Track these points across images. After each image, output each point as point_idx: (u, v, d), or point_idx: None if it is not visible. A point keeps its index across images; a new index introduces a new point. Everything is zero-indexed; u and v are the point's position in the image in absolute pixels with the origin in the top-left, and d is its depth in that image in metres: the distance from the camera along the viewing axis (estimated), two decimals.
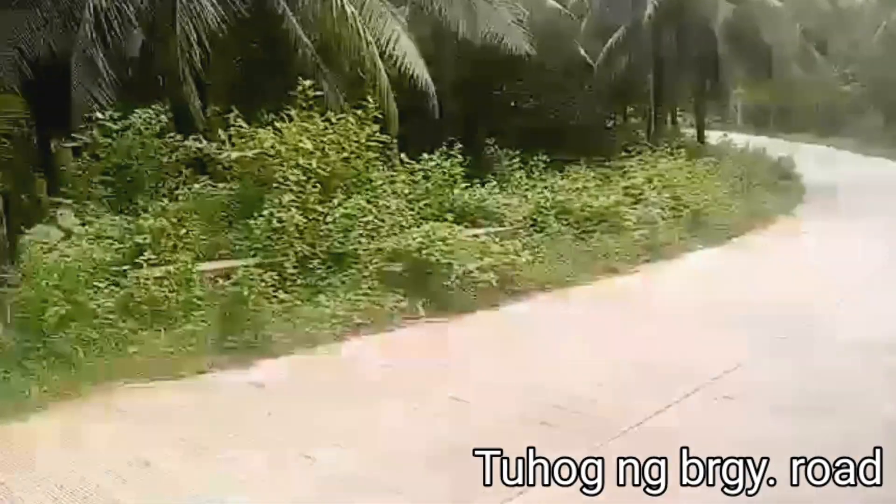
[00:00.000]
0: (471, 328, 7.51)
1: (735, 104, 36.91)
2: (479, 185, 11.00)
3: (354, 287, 7.66)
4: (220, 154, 8.92)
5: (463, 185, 10.66)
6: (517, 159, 13.58)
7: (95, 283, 6.65)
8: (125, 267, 7.19)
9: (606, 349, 6.55)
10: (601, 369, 5.98)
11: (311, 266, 7.85)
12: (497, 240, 9.08)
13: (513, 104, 19.90)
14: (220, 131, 9.03)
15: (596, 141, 18.50)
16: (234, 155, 8.66)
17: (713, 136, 23.79)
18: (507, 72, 17.50)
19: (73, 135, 9.69)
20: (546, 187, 11.92)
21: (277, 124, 9.02)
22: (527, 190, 12.02)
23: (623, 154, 15.29)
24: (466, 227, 9.59)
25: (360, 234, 8.25)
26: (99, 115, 9.30)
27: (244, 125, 8.88)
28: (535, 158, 13.41)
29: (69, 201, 8.74)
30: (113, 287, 6.80)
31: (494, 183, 11.64)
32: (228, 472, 4.32)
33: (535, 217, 10.81)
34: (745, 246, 12.23)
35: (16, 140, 12.18)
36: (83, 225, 7.93)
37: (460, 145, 10.95)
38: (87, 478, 4.24)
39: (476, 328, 7.51)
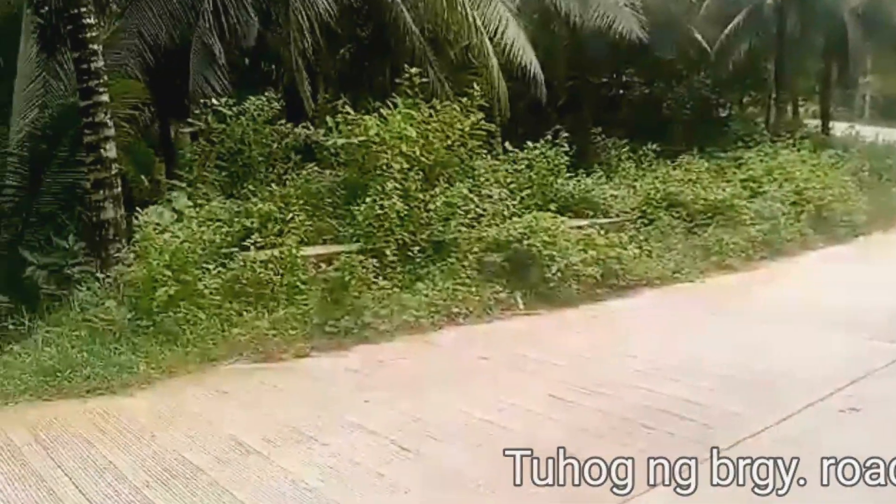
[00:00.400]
0: (571, 323, 7.26)
1: (864, 94, 34.35)
2: (584, 175, 10.65)
3: (453, 276, 7.56)
4: (326, 141, 9.02)
5: (567, 174, 10.35)
6: (625, 149, 13.10)
7: (204, 265, 6.84)
8: (233, 249, 7.39)
9: (716, 352, 6.14)
10: (711, 373, 5.59)
11: (410, 254, 7.81)
12: (602, 232, 8.74)
13: (622, 91, 19.28)
14: (328, 118, 9.12)
15: (710, 130, 17.67)
16: (340, 142, 8.74)
17: (838, 128, 22.20)
18: (617, 58, 16.94)
19: (189, 120, 10.03)
20: (656, 178, 11.43)
21: (383, 111, 9.02)
22: (635, 180, 11.58)
23: (739, 145, 14.48)
24: (570, 217, 9.31)
25: (461, 223, 8.14)
26: (214, 101, 9.56)
27: (351, 112, 8.93)
28: (645, 148, 12.89)
29: (184, 184, 9.05)
30: (220, 269, 6.98)
31: (601, 173, 11.26)
32: (324, 459, 4.30)
33: (643, 209, 10.39)
34: (873, 245, 11.33)
35: (138, 124, 12.86)
36: (195, 207, 8.19)
37: (566, 134, 10.62)
38: (188, 457, 4.32)
39: (576, 323, 7.25)
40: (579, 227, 8.90)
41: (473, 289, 7.48)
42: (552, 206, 9.22)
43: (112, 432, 4.73)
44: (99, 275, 7.08)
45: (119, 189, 8.11)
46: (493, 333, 6.92)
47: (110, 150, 8.03)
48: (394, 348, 6.42)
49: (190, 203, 8.42)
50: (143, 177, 12.90)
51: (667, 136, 14.78)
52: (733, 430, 4.50)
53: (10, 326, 6.60)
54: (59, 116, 9.35)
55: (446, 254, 7.93)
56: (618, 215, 10.04)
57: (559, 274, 7.71)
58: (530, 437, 4.42)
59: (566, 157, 10.35)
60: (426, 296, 7.23)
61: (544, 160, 10.22)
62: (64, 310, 6.65)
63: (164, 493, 3.91)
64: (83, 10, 7.89)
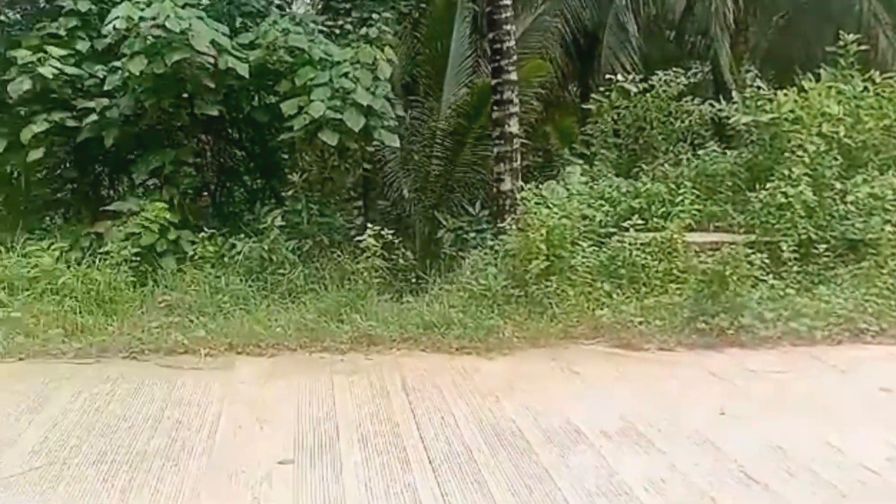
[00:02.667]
0: None
1: None
2: None
3: (867, 283, 6.30)
4: (730, 119, 8.23)
5: None
6: None
7: (580, 242, 6.81)
8: (612, 230, 7.23)
9: None
10: None
11: (814, 252, 6.70)
12: None
13: None
14: (734, 94, 8.30)
15: None
16: (745, 119, 7.87)
17: None
18: None
19: (593, 96, 10.08)
20: None
21: (805, 84, 7.85)
22: None
23: None
24: None
25: (888, 220, 6.70)
26: (620, 77, 9.44)
27: (762, 86, 7.97)
28: None
29: (580, 161, 9.16)
30: (596, 247, 6.89)
31: None
32: (655, 469, 3.93)
33: None
34: None
35: (556, 99, 13.45)
36: (586, 184, 8.22)
37: None
38: (521, 428, 4.35)
39: None
40: None
41: (893, 302, 6.14)
42: None
43: (465, 390, 5.02)
44: (490, 242, 7.58)
45: (518, 163, 8.56)
46: None
47: (513, 126, 8.51)
48: (772, 358, 5.60)
49: (584, 180, 8.49)
50: (565, 150, 13.38)
51: None
52: None
53: (413, 280, 7.47)
54: (480, 94, 10.21)
55: (862, 256, 6.63)
56: None
57: None
58: None
59: None
60: (827, 303, 6.15)
61: None
62: (457, 272, 7.28)
63: (489, 458, 4.00)
64: None
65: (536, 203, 6.94)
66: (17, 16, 9.24)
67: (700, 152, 8.45)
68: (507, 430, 4.36)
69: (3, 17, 9.10)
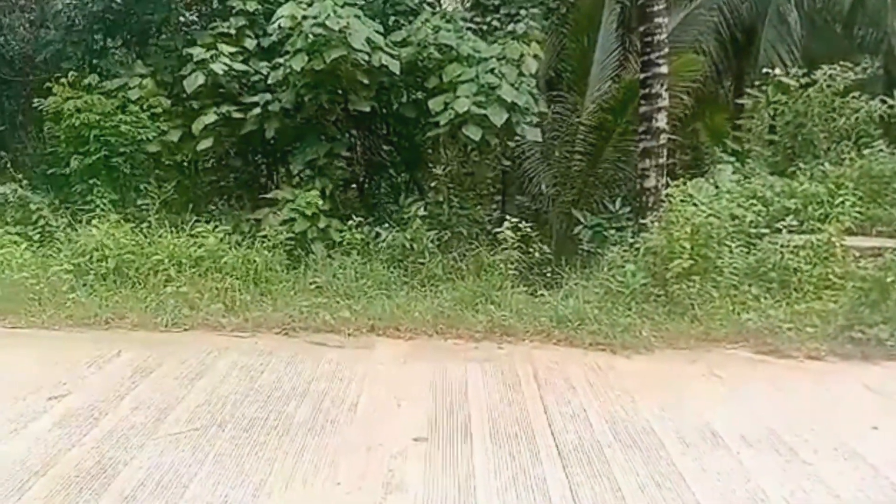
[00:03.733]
0: None
1: None
2: None
3: None
4: None
5: None
6: None
7: (727, 242, 6.55)
8: (764, 230, 6.89)
9: None
10: None
11: None
12: None
13: None
14: None
15: None
16: None
17: None
18: None
19: (748, 91, 9.61)
20: None
21: None
22: None
23: None
24: None
25: None
26: (777, 71, 8.96)
27: None
28: None
29: (731, 158, 8.79)
30: (745, 249, 6.59)
31: None
32: (798, 479, 3.75)
33: None
34: None
35: (708, 95, 12.91)
36: (738, 183, 7.87)
37: None
38: (656, 429, 4.29)
39: None
40: None
41: None
42: None
43: (598, 386, 4.98)
44: (631, 239, 7.43)
45: (664, 159, 8.33)
46: None
47: (661, 121, 8.28)
48: None
49: (735, 177, 8.15)
50: (715, 147, 12.87)
51: None
52: None
53: (548, 274, 7.48)
54: (627, 89, 10.01)
55: None
56: None
57: None
58: None
59: None
60: None
61: None
62: (595, 268, 7.21)
63: (620, 455, 3.98)
64: None
65: (682, 200, 6.74)
66: (194, 17, 10.07)
67: (866, 152, 7.87)
68: (640, 430, 4.30)
69: (181, 18, 9.95)
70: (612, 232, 8.06)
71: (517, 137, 8.82)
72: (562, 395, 4.80)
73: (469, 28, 9.01)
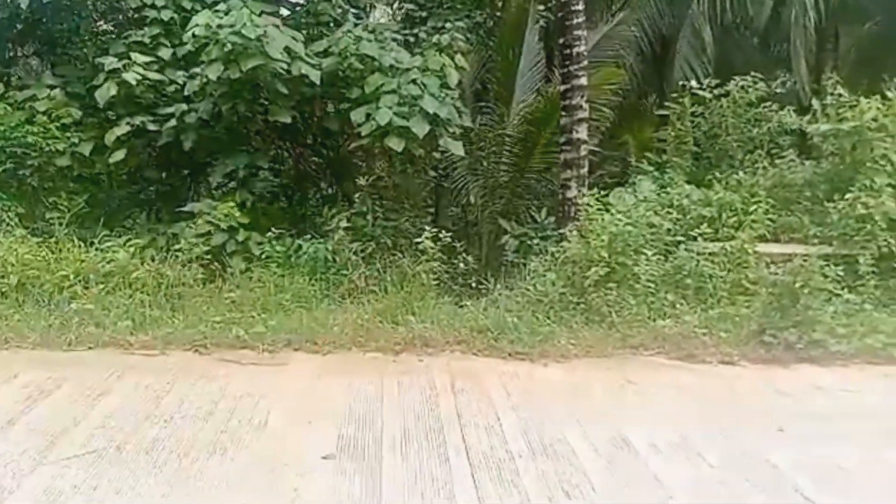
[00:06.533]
0: None
1: None
2: None
3: None
4: (809, 127, 7.89)
5: None
6: None
7: (644, 250, 6.64)
8: (681, 238, 7.02)
9: None
10: None
11: (895, 266, 6.33)
12: None
13: None
14: (814, 101, 7.95)
15: None
16: (824, 128, 7.52)
17: None
18: None
19: (665, 103, 9.84)
20: None
21: (889, 93, 7.45)
22: None
23: None
24: None
25: None
26: (694, 83, 9.19)
27: (843, 93, 7.60)
28: None
29: (651, 168, 8.96)
30: (661, 256, 6.70)
31: None
32: (704, 483, 3.79)
33: None
34: None
35: (635, 108, 13.22)
36: (657, 192, 8.02)
37: None
38: (568, 438, 4.27)
39: None
40: None
41: None
42: None
43: (514, 395, 4.95)
44: (552, 249, 7.47)
45: (585, 170, 8.40)
46: None
47: (581, 132, 8.36)
48: (842, 375, 5.32)
49: (654, 188, 8.30)
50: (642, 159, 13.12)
51: None
52: None
53: (474, 285, 7.45)
54: (550, 101, 10.10)
55: None
56: None
57: None
58: None
59: None
60: None
61: None
62: (518, 277, 7.21)
63: (531, 465, 3.94)
64: None
65: (598, 210, 6.81)
66: (109, 26, 9.75)
67: (777, 161, 8.13)
68: (554, 438, 4.27)
69: (94, 27, 9.62)
70: (537, 242, 8.10)
71: (445, 149, 8.79)
72: (477, 406, 4.75)
73: (395, 40, 8.96)
